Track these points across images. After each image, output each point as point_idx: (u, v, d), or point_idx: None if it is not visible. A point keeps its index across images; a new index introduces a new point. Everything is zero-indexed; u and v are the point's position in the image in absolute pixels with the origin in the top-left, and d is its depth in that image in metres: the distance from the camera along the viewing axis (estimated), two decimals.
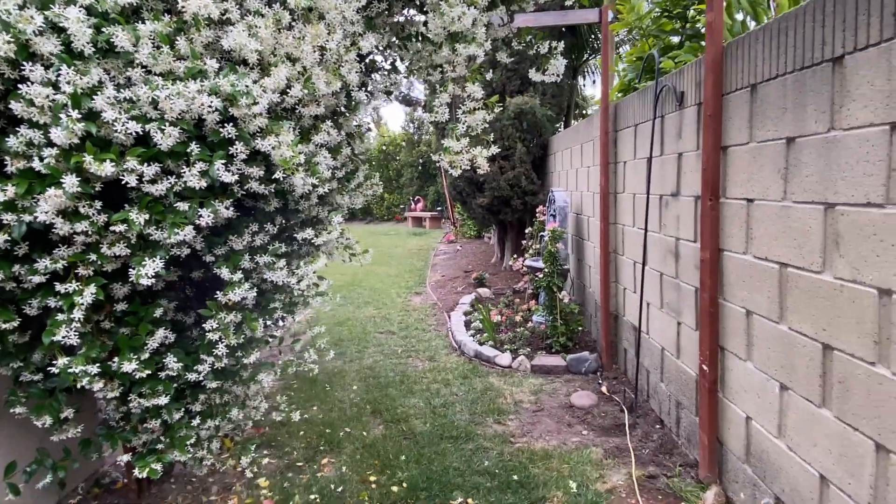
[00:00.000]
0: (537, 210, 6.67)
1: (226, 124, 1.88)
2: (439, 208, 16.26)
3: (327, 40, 1.99)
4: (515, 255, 7.86)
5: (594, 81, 10.70)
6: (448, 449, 3.39)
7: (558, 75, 2.77)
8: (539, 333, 5.33)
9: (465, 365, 4.84)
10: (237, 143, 1.87)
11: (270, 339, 2.84)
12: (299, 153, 1.94)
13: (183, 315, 2.52)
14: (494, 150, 2.38)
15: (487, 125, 2.39)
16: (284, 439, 3.65)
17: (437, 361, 5.00)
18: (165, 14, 1.87)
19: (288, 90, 1.98)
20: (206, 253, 2.15)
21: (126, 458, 2.35)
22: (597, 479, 2.98)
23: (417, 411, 3.96)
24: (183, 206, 1.83)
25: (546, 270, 5.08)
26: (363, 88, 2.56)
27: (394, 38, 2.38)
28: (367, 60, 2.76)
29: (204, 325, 2.17)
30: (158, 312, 2.16)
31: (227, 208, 1.95)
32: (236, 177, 1.86)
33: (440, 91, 2.35)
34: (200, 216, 1.85)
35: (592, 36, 8.66)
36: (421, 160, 16.71)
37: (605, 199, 4.47)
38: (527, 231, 6.67)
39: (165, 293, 2.42)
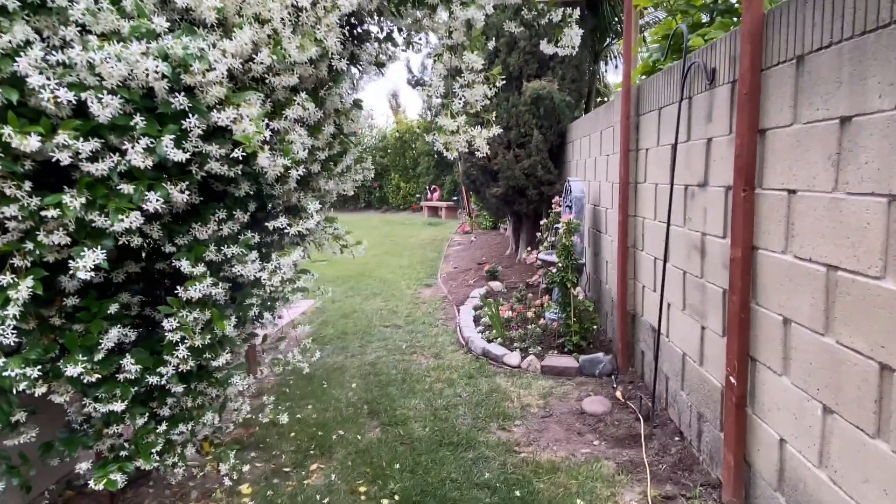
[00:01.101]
0: (553, 201, 6.35)
1: (180, 94, 1.63)
2: (455, 198, 15.95)
3: None
4: (529, 248, 7.55)
5: (616, 67, 10.24)
6: (447, 457, 3.14)
7: (573, 47, 2.46)
8: (551, 331, 5.03)
9: (472, 363, 4.57)
10: (191, 115, 1.61)
11: (248, 339, 2.60)
12: (265, 128, 1.68)
13: (152, 310, 2.29)
14: (496, 130, 2.09)
15: (488, 101, 2.10)
16: (274, 441, 3.43)
17: (442, 359, 4.74)
18: None
19: (255, 56, 1.71)
20: (165, 242, 1.91)
21: (86, 465, 2.14)
22: (608, 499, 2.70)
23: (417, 413, 3.71)
24: (128, 188, 1.58)
25: (559, 265, 4.77)
26: (354, 61, 2.28)
27: (385, 1, 2.09)
28: (359, 29, 2.49)
29: (164, 325, 1.93)
30: (114, 308, 1.93)
31: (182, 192, 1.70)
32: (188, 155, 1.60)
33: (435, 61, 2.06)
34: (147, 200, 1.60)
35: (616, 19, 8.24)
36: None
37: (624, 189, 4.15)
38: (541, 223, 6.36)
39: (130, 286, 2.19)
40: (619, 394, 3.90)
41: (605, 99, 9.77)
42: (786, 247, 2.12)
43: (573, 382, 4.17)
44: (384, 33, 2.67)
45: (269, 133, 1.72)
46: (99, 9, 1.50)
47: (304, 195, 2.32)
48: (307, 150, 2.14)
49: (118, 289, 2.13)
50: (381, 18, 2.39)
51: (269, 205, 2.19)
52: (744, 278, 2.39)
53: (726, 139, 2.62)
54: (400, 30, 2.69)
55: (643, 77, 4.29)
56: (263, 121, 1.71)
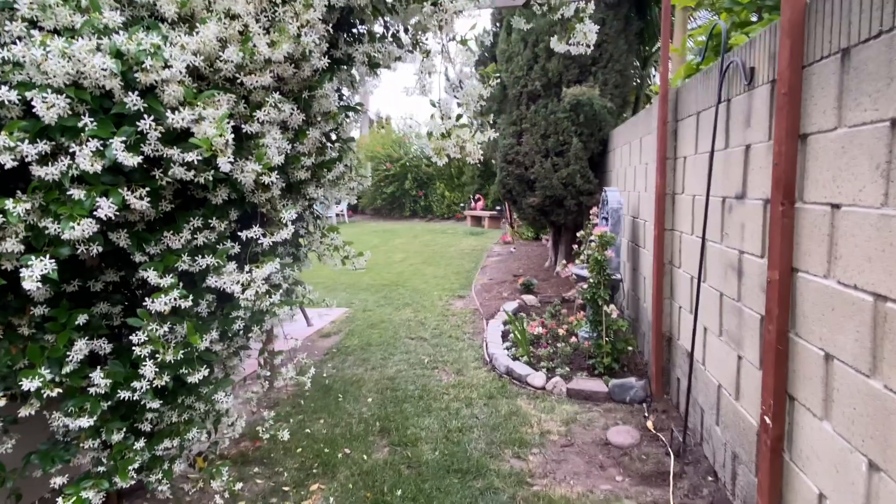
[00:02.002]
0: (591, 212, 6.04)
1: (145, 93, 1.53)
2: (498, 208, 15.69)
3: None
4: (565, 262, 7.24)
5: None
6: (453, 485, 2.93)
7: (588, 45, 2.23)
8: (582, 351, 4.74)
9: (494, 382, 4.34)
10: (146, 116, 1.50)
11: (237, 353, 2.49)
12: (229, 130, 1.55)
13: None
14: (491, 134, 1.89)
15: (484, 102, 1.90)
16: (279, 456, 3.32)
17: (463, 376, 4.53)
18: None
19: (221, 54, 1.60)
20: (134, 251, 1.82)
21: (61, 480, 2.07)
22: None
23: (429, 434, 3.52)
24: (78, 193, 1.49)
25: (590, 280, 4.49)
26: (350, 62, 2.14)
27: None
28: (360, 28, 2.35)
29: (132, 338, 1.83)
30: (83, 319, 1.85)
31: (141, 198, 1.59)
32: (139, 159, 1.49)
33: (423, 58, 1.90)
34: (99, 207, 1.50)
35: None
36: (484, 157, 16.24)
37: (660, 200, 3.84)
38: (578, 234, 6.05)
39: (112, 295, 2.12)
40: (650, 424, 3.58)
41: None
42: (828, 270, 1.82)
43: (600, 409, 3.88)
44: (390, 32, 2.53)
45: (232, 136, 1.59)
46: (49, 4, 1.41)
47: (293, 203, 2.20)
48: (290, 156, 2.02)
49: (97, 298, 2.06)
50: (383, 16, 2.24)
51: (255, 213, 2.07)
52: (781, 305, 2.09)
53: (765, 146, 2.32)
54: (406, 29, 2.55)
55: (686, 81, 3.98)
56: (228, 122, 1.58)
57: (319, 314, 6.79)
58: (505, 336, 5.36)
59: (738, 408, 2.61)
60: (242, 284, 1.83)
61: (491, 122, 7.50)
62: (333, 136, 2.36)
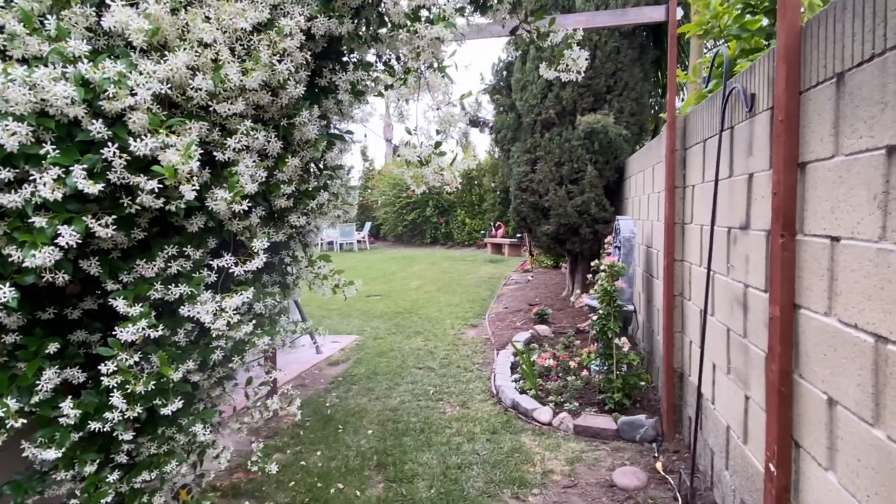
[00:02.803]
0: (605, 241, 5.92)
1: (115, 121, 1.53)
2: (519, 235, 15.58)
3: (243, 18, 1.58)
4: (579, 291, 7.08)
5: (683, 100, 9.67)
6: None
7: (579, 72, 2.18)
8: (594, 385, 4.57)
9: (499, 416, 4.20)
10: (111, 144, 1.50)
11: (220, 383, 2.44)
12: (194, 158, 1.53)
13: None
14: (472, 163, 1.84)
15: (461, 125, 1.85)
16: (270, 489, 3.24)
17: (468, 409, 4.40)
18: None
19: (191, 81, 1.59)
20: (105, 279, 1.80)
21: None
22: None
23: (427, 470, 3.40)
24: (40, 221, 1.48)
25: (600, 312, 4.35)
26: (332, 91, 2.13)
27: (352, 25, 1.93)
28: (351, 57, 2.35)
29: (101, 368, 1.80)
30: (54, 347, 1.83)
31: (106, 226, 1.58)
32: (100, 187, 1.47)
33: (398, 85, 1.87)
34: (60, 235, 1.48)
35: (682, 53, 7.79)
36: (504, 185, 16.20)
37: (669, 230, 3.72)
38: (592, 264, 5.92)
39: (90, 323, 2.10)
40: (659, 465, 3.40)
41: None
42: (829, 308, 1.69)
43: (608, 447, 3.70)
44: (382, 60, 2.53)
45: (199, 163, 1.57)
46: (18, 34, 1.43)
47: (276, 230, 2.17)
48: (272, 183, 2.00)
49: (75, 326, 2.04)
50: (368, 45, 2.24)
51: (234, 241, 2.05)
52: (784, 343, 1.95)
53: (767, 175, 2.22)
54: (398, 58, 2.54)
55: (693, 108, 3.89)
56: (195, 149, 1.56)
57: (331, 341, 6.76)
58: (514, 368, 5.23)
59: (745, 452, 2.45)
60: (213, 314, 1.79)
61: (506, 149, 7.48)
62: (321, 164, 2.34)
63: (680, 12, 3.49)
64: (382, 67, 2.56)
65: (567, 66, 2.14)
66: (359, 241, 19.66)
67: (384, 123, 26.75)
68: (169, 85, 1.56)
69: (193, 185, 1.54)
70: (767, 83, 2.20)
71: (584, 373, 4.80)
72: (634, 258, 5.11)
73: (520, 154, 7.20)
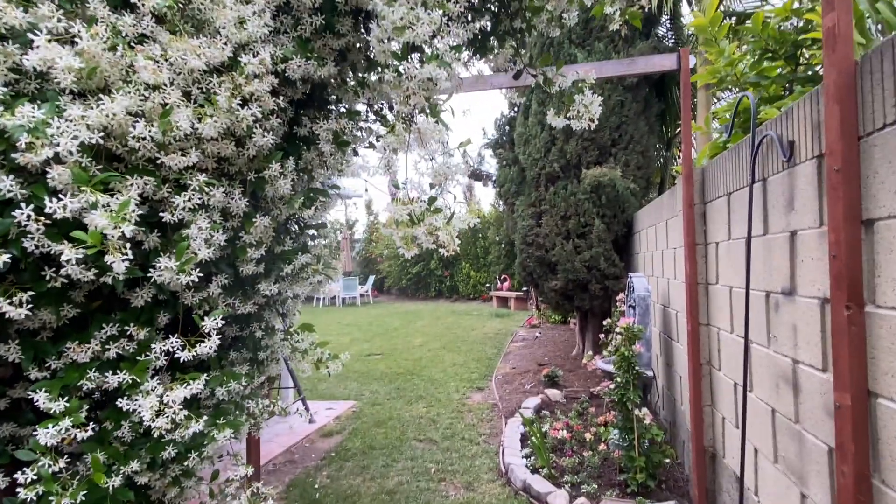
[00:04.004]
0: (617, 298, 5.57)
1: (39, 177, 1.25)
2: (525, 288, 15.21)
3: (196, 55, 1.32)
4: (591, 353, 6.67)
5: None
6: None
7: (592, 119, 1.92)
8: (613, 461, 4.12)
9: (508, 502, 3.74)
10: (25, 206, 1.21)
11: (175, 484, 2.05)
12: (129, 220, 1.24)
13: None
14: (472, 220, 1.54)
15: (460, 177, 1.57)
16: None
17: (473, 491, 3.94)
18: None
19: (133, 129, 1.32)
20: (28, 365, 1.47)
21: None
22: None
23: None
24: None
25: (617, 380, 3.95)
26: (311, 143, 1.87)
27: (334, 66, 1.69)
28: (341, 106, 2.10)
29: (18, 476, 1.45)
30: None
31: (20, 304, 1.27)
32: (5, 257, 1.17)
33: (386, 133, 1.60)
34: None
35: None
36: (509, 238, 16.00)
37: (691, 291, 3.38)
38: (604, 323, 5.55)
39: (23, 413, 1.76)
40: None
41: None
42: None
43: None
44: (374, 109, 2.28)
45: (145, 227, 1.27)
46: None
47: (243, 301, 1.85)
48: (239, 247, 1.70)
49: (1, 418, 1.70)
50: (357, 93, 1.99)
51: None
52: (858, 440, 1.58)
53: (816, 234, 1.90)
54: (391, 107, 2.30)
55: (713, 160, 3.63)
56: (133, 210, 1.27)
57: (325, 407, 6.31)
58: (524, 440, 4.77)
59: None
60: (151, 410, 1.45)
61: (510, 202, 7.26)
62: (300, 222, 2.05)
63: (692, 60, 3.28)
64: (374, 117, 2.32)
65: (578, 112, 1.88)
66: (362, 295, 19.32)
67: (389, 176, 26.95)
68: (103, 134, 1.28)
69: (125, 254, 1.24)
70: (810, 128, 1.93)
71: (602, 447, 4.35)
72: (650, 318, 4.75)
73: (524, 208, 6.96)
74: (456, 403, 6.22)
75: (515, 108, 7.73)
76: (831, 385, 1.80)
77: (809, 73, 3.17)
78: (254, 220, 1.64)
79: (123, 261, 1.24)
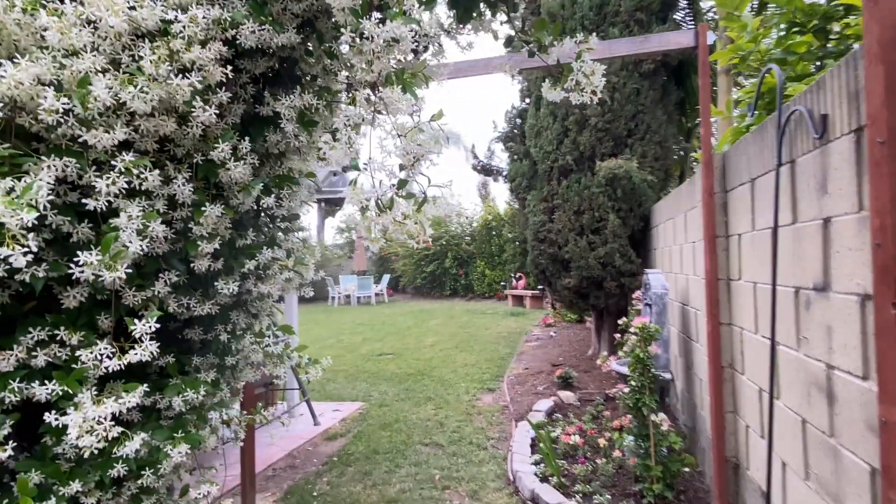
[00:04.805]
0: (633, 296, 5.29)
1: None
2: (541, 287, 14.93)
3: (115, 14, 1.12)
4: (606, 353, 6.39)
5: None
6: None
7: (595, 91, 1.68)
8: (628, 470, 3.86)
9: None
10: None
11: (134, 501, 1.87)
12: (31, 206, 1.05)
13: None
14: (449, 208, 1.32)
15: (435, 157, 1.35)
16: None
17: (479, 501, 3.72)
18: None
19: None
20: None
21: None
22: None
23: None
24: None
25: (632, 384, 3.69)
26: (272, 122, 1.67)
27: (297, 35, 1.48)
28: (313, 87, 1.89)
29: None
30: None
31: None
32: None
33: (335, 111, 1.38)
34: None
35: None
36: (522, 234, 15.73)
37: (711, 287, 3.12)
38: (619, 322, 5.28)
39: None
40: None
41: None
42: None
43: None
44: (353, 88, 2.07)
45: (41, 215, 1.09)
46: None
47: (200, 301, 1.66)
48: (191, 240, 1.51)
49: None
50: (329, 63, 1.78)
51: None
52: None
53: (854, 219, 1.65)
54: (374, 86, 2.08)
55: (735, 144, 3.35)
56: (40, 194, 1.08)
57: (332, 409, 6.15)
58: (535, 445, 4.53)
59: None
60: (81, 425, 1.26)
61: (521, 197, 7.01)
62: (269, 213, 1.85)
63: (710, 37, 3.01)
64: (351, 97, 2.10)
65: (578, 83, 1.64)
66: (377, 295, 19.19)
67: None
68: (9, 107, 1.10)
69: (27, 246, 1.05)
70: (847, 98, 1.67)
71: (617, 453, 4.09)
72: (668, 317, 4.48)
73: (536, 203, 6.71)
74: (465, 405, 6.00)
75: (527, 100, 7.47)
76: (873, 395, 1.54)
77: (842, 47, 2.88)
78: (203, 209, 1.44)
79: (25, 254, 1.05)
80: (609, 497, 3.53)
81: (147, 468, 1.69)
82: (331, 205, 17.02)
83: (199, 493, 1.83)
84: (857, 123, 1.62)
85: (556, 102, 6.49)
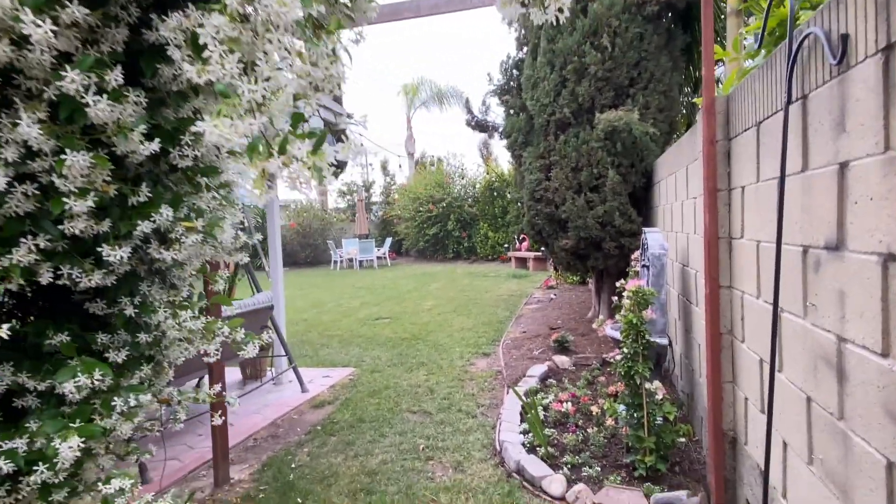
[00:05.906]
0: (632, 257, 5.01)
1: None
2: (543, 248, 14.66)
3: None
4: (603, 317, 6.15)
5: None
6: None
7: (561, 9, 1.35)
8: (620, 439, 3.66)
9: (499, 486, 3.33)
10: None
11: None
12: None
13: None
14: (352, 151, 1.01)
15: (341, 85, 1.04)
16: None
17: (463, 472, 3.54)
18: None
19: None
20: None
21: None
22: None
23: None
24: None
25: (624, 351, 3.45)
26: (159, 52, 1.36)
27: None
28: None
29: None
30: None
31: None
32: None
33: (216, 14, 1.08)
34: None
35: (719, 37, 6.84)
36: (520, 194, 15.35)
37: (711, 247, 2.82)
38: (617, 284, 5.01)
39: None
40: None
41: None
42: None
43: None
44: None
45: None
46: None
47: (88, 273, 1.40)
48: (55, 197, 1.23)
49: None
50: None
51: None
52: None
53: (879, 161, 1.34)
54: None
55: (739, 84, 2.99)
56: None
57: (322, 375, 5.99)
58: (524, 414, 4.34)
59: None
60: None
61: (517, 154, 6.64)
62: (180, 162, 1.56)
63: None
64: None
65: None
66: (379, 258, 19.01)
67: (406, 136, 26.20)
68: None
69: None
70: (874, 10, 1.33)
71: (610, 422, 3.89)
72: (666, 279, 4.20)
73: (532, 160, 6.35)
74: (458, 371, 5.82)
75: (524, 49, 7.01)
76: (895, 377, 1.27)
77: None
78: (63, 157, 1.16)
79: None
80: (598, 469, 3.34)
81: (41, 462, 1.46)
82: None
83: (111, 489, 1.60)
84: (885, 41, 1.29)
85: (555, 51, 6.02)
